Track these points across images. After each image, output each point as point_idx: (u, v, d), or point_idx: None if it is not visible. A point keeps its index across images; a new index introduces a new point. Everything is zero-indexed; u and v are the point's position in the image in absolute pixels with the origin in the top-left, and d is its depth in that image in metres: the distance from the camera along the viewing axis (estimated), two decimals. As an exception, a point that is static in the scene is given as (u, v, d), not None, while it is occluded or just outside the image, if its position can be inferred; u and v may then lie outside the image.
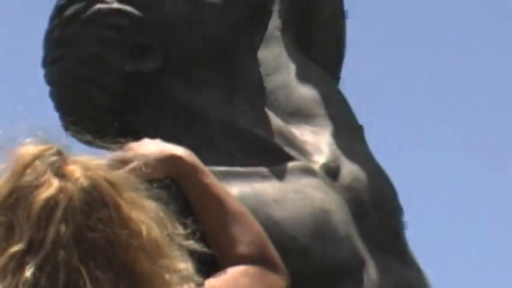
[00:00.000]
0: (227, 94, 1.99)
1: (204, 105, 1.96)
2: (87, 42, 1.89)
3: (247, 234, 1.73)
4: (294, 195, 1.89)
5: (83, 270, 1.33)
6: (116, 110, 1.96)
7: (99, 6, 1.88)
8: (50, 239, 1.36)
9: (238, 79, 1.99)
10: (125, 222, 1.42)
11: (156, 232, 1.44)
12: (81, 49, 1.89)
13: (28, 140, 1.48)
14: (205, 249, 1.54)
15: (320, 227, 1.87)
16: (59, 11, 1.92)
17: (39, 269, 1.33)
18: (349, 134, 2.11)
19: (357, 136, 2.14)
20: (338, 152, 2.05)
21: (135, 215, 1.43)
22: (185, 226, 1.52)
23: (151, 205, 1.48)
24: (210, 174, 1.75)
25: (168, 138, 1.78)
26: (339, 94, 2.16)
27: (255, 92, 2.01)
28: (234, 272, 1.67)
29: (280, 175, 1.93)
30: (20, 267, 1.35)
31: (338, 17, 2.18)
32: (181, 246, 1.49)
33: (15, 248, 1.36)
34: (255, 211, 1.78)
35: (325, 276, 1.86)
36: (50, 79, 1.95)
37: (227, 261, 1.71)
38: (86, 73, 1.92)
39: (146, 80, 1.92)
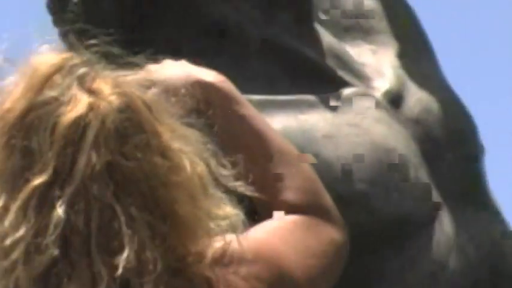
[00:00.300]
0: (268, 7, 1.76)
1: (239, 20, 1.73)
2: None
3: (296, 178, 1.51)
4: (350, 129, 1.68)
5: (118, 208, 1.20)
6: (126, 24, 1.75)
7: None
8: (80, 170, 1.20)
9: None
10: (165, 152, 1.26)
11: (201, 168, 1.28)
12: None
13: (44, 46, 1.29)
14: (256, 194, 1.37)
15: (382, 169, 1.66)
16: None
17: (70, 206, 1.19)
18: (418, 54, 1.89)
19: (428, 57, 1.91)
20: (404, 76, 1.83)
21: (177, 145, 1.27)
22: (233, 165, 1.35)
23: (194, 136, 1.32)
24: (247, 104, 1.52)
25: (194, 60, 1.52)
26: (406, 6, 1.92)
27: (301, 4, 1.79)
28: (281, 223, 1.48)
29: (332, 104, 1.71)
30: (46, 203, 1.20)
31: None
32: (228, 188, 1.33)
33: (38, 180, 1.20)
34: (301, 149, 1.55)
35: (390, 229, 1.66)
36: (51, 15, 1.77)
37: (271, 210, 1.50)
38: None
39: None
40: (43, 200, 1.20)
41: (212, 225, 1.30)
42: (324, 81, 1.74)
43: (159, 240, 1.24)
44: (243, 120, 1.51)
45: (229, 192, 1.33)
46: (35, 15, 1.71)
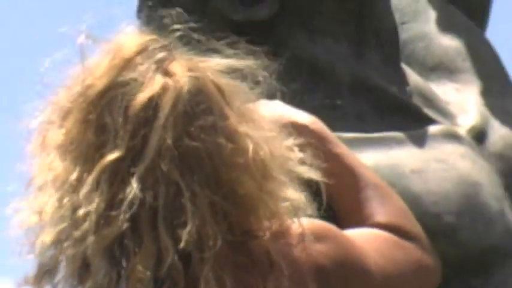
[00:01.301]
0: (356, 46, 1.81)
1: (329, 59, 1.78)
2: None
3: (387, 206, 1.55)
4: (437, 164, 1.72)
5: (182, 185, 1.24)
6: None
7: None
8: (151, 148, 1.25)
9: (369, 29, 1.82)
10: (230, 134, 1.30)
11: (265, 152, 1.31)
12: None
13: (129, 27, 1.34)
14: (323, 179, 1.37)
15: (468, 202, 1.70)
16: None
17: (141, 182, 1.23)
18: (500, 91, 1.95)
19: (509, 93, 1.96)
20: (487, 113, 1.89)
21: (243, 129, 1.30)
22: (302, 150, 1.39)
23: (263, 121, 1.37)
24: (339, 143, 1.57)
25: (286, 99, 1.56)
26: (488, 45, 2.00)
27: (389, 44, 1.85)
28: (371, 231, 1.51)
29: (419, 141, 1.76)
30: (118, 179, 1.25)
31: None
32: (293, 173, 1.36)
33: (111, 156, 1.24)
34: (390, 184, 1.58)
35: (477, 260, 1.70)
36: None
37: (357, 224, 1.56)
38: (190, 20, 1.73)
39: (259, 29, 1.74)
40: (115, 175, 1.24)
41: (273, 206, 1.33)
42: (411, 118, 1.78)
43: (220, 217, 1.27)
44: (336, 159, 1.54)
45: (295, 174, 1.38)
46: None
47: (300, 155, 1.39)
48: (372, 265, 1.46)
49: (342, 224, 1.50)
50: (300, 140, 1.43)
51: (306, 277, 1.39)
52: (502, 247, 1.72)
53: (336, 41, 1.79)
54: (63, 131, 1.32)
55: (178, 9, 1.55)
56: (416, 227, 1.55)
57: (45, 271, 1.30)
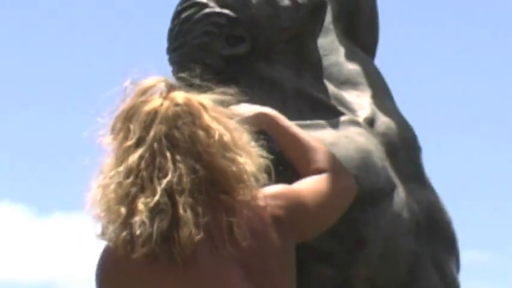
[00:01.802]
0: (297, 70, 2.31)
1: (281, 78, 2.28)
2: (197, 35, 2.25)
3: (320, 154, 2.00)
4: (345, 139, 2.24)
5: (168, 154, 1.72)
6: (217, 82, 2.14)
7: (205, 10, 2.26)
8: (150, 136, 1.75)
9: (304, 59, 2.32)
10: (204, 127, 1.77)
11: (227, 137, 1.77)
12: (193, 40, 2.25)
13: (152, 74, 1.85)
14: (266, 155, 1.83)
15: (364, 162, 2.22)
16: (177, 14, 2.31)
17: (140, 157, 1.74)
18: (382, 96, 2.45)
19: (388, 97, 2.47)
20: (375, 109, 2.39)
21: (214, 125, 1.78)
22: (256, 140, 1.83)
23: (231, 122, 1.81)
24: (288, 122, 2.04)
25: (255, 101, 2.12)
26: (375, 68, 2.50)
27: (317, 68, 2.36)
28: (316, 178, 1.94)
29: (334, 126, 2.27)
30: (131, 154, 1.76)
31: (374, 15, 2.52)
32: (246, 149, 1.81)
33: (128, 143, 1.77)
34: None
35: (370, 197, 2.20)
36: (173, 62, 2.32)
37: (309, 174, 1.97)
38: (196, 56, 2.27)
39: (238, 62, 2.26)
40: (133, 151, 1.75)
41: (235, 168, 1.76)
42: (330, 112, 2.29)
43: (194, 174, 1.72)
44: (288, 131, 2.03)
45: (251, 152, 1.80)
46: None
47: (250, 137, 1.81)
48: (309, 204, 1.90)
49: (295, 167, 1.98)
50: (255, 128, 1.88)
51: (266, 222, 1.80)
52: (384, 189, 2.23)
53: (285, 67, 2.29)
54: (113, 135, 1.83)
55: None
56: (339, 164, 2.01)
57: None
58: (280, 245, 1.79)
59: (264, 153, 1.82)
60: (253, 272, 1.77)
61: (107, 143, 1.82)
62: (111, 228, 1.75)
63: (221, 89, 1.88)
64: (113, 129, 1.81)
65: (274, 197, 1.84)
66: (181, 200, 1.69)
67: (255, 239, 1.76)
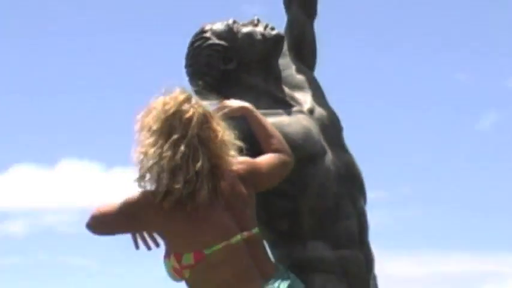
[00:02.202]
0: (265, 79, 3.08)
1: (255, 83, 3.07)
2: (204, 57, 3.05)
3: (277, 139, 2.78)
4: (295, 122, 2.97)
5: (198, 148, 2.45)
6: (216, 87, 3.08)
7: (209, 41, 3.08)
8: (189, 135, 2.43)
9: (270, 71, 3.11)
10: (212, 129, 2.48)
11: (226, 136, 2.50)
12: (201, 60, 3.05)
13: (180, 88, 2.55)
14: (238, 140, 2.59)
15: (307, 136, 2.95)
16: (191, 44, 3.14)
17: (183, 147, 2.40)
18: (318, 95, 3.22)
19: (322, 96, 3.24)
20: (314, 103, 3.16)
21: (218, 128, 2.50)
22: (236, 137, 2.57)
23: (223, 123, 2.54)
24: (258, 112, 2.80)
25: (240, 98, 2.88)
26: (314, 78, 3.28)
27: (278, 77, 3.13)
28: (270, 155, 2.73)
29: (289, 114, 3.02)
30: (174, 147, 2.43)
31: (314, 45, 3.36)
32: (233, 144, 2.55)
33: (174, 137, 2.45)
34: (278, 129, 2.86)
35: (310, 157, 2.94)
36: (187, 74, 3.14)
37: (268, 152, 2.72)
38: (203, 71, 3.07)
39: (229, 73, 3.04)
40: (174, 146, 2.42)
41: (229, 152, 2.49)
42: (286, 105, 3.03)
43: (208, 159, 2.45)
44: (258, 118, 2.75)
45: (235, 145, 2.49)
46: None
47: (229, 129, 2.51)
48: (263, 169, 2.68)
49: (262, 148, 2.71)
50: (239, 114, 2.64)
51: (236, 180, 2.59)
52: (319, 153, 2.96)
53: (258, 76, 3.07)
54: (156, 125, 2.49)
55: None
56: (286, 147, 2.74)
57: (141, 176, 2.52)
58: (246, 193, 2.63)
59: (237, 139, 2.60)
60: (231, 209, 2.59)
61: (151, 129, 2.52)
62: (155, 184, 2.50)
63: (210, 97, 2.83)
64: (155, 121, 2.52)
65: (241, 163, 2.66)
66: (202, 177, 2.47)
67: (232, 189, 2.59)
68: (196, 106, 2.54)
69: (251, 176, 2.64)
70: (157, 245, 2.63)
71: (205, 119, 2.53)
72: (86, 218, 2.62)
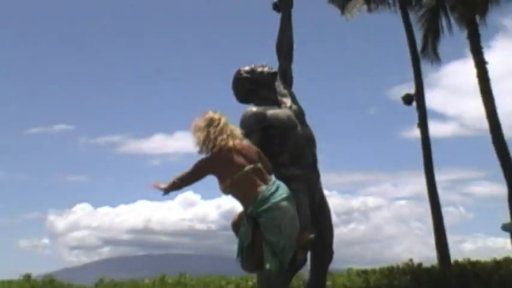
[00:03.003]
0: (269, 92, 7.01)
1: (267, 95, 6.95)
2: (240, 84, 7.00)
3: (265, 162, 6.26)
4: (283, 112, 6.81)
5: (224, 129, 6.14)
6: (248, 99, 7.03)
7: (244, 75, 7.01)
8: (220, 124, 6.15)
9: (270, 87, 6.99)
10: (230, 128, 6.17)
11: (236, 129, 6.19)
12: (240, 85, 6.99)
13: (212, 111, 6.19)
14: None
15: (288, 118, 6.75)
16: (234, 77, 7.09)
17: (220, 129, 6.11)
18: (293, 100, 7.18)
19: (295, 100, 7.18)
20: (292, 103, 7.07)
21: (232, 127, 6.19)
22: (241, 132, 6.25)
23: (233, 126, 6.22)
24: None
25: (260, 105, 6.79)
26: (292, 91, 7.27)
27: (274, 90, 7.06)
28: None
29: (280, 108, 6.88)
30: (215, 130, 6.11)
31: (291, 76, 7.37)
32: (236, 135, 6.14)
33: (214, 124, 6.11)
34: (274, 115, 6.71)
35: (290, 128, 6.72)
36: (234, 93, 7.07)
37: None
38: (241, 91, 7.03)
39: (252, 90, 6.95)
40: (219, 134, 6.10)
41: (235, 138, 6.12)
42: (278, 105, 6.98)
43: (228, 134, 6.24)
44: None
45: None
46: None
47: (240, 131, 6.21)
48: (251, 154, 6.18)
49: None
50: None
51: (244, 143, 6.22)
52: (295, 126, 6.85)
53: (267, 92, 7.00)
54: (204, 124, 6.13)
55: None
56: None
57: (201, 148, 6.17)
58: (254, 151, 6.03)
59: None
60: (244, 154, 5.93)
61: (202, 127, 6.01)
62: (211, 146, 5.90)
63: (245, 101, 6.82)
64: (206, 125, 5.94)
65: (240, 140, 6.10)
66: (228, 139, 5.99)
67: (242, 147, 6.00)
68: (220, 116, 5.81)
69: (241, 150, 5.91)
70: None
71: (225, 121, 5.78)
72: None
